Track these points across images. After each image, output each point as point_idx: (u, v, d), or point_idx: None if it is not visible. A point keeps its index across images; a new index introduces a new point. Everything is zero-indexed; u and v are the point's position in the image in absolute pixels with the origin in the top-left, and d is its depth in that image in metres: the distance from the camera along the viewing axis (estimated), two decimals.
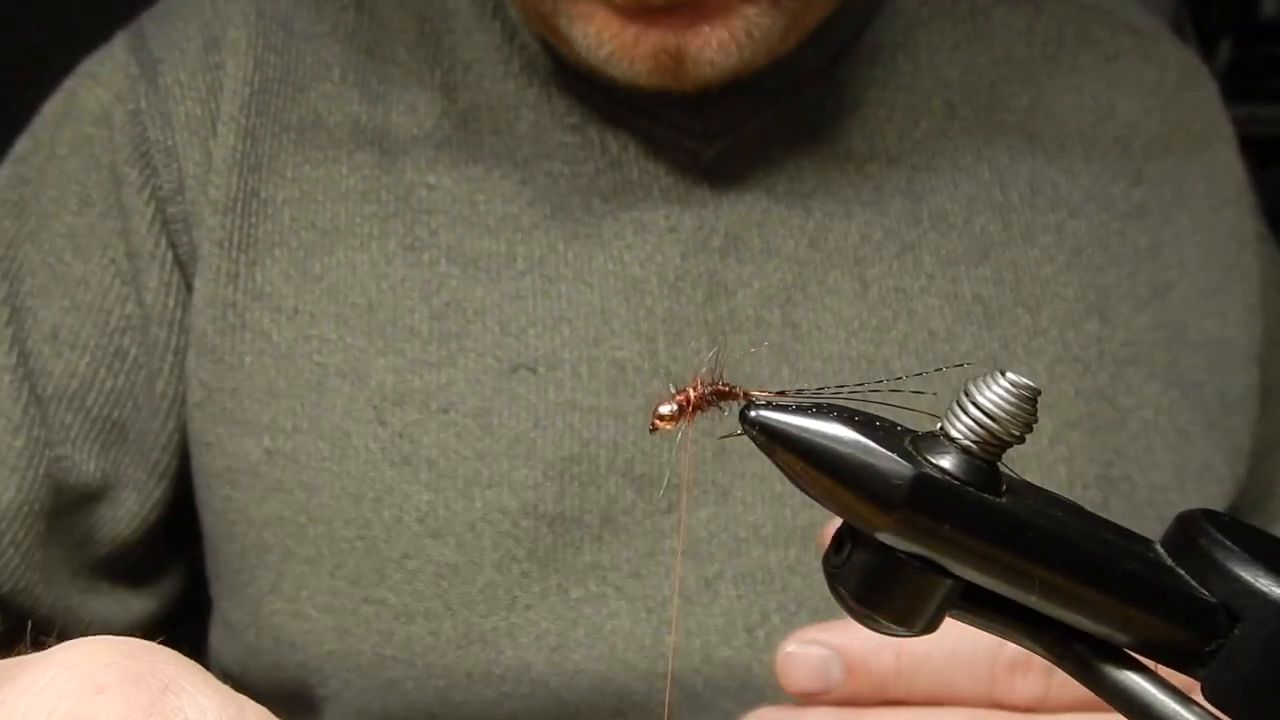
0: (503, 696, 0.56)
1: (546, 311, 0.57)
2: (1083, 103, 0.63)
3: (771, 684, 0.54)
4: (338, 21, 0.63)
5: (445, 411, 0.57)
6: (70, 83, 0.64)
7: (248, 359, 0.58)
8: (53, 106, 0.64)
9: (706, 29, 0.52)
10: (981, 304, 0.60)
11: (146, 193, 0.60)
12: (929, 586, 0.25)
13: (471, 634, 0.55)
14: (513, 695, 0.56)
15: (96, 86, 0.63)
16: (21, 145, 0.64)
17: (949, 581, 0.25)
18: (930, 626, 0.26)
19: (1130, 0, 0.69)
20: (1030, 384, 0.25)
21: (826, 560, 0.27)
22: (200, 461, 0.60)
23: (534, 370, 0.57)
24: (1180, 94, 0.65)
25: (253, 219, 0.59)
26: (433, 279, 0.58)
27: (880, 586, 0.26)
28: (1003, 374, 0.25)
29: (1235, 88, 1.89)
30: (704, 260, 0.58)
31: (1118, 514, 0.56)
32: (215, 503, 0.59)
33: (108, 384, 0.60)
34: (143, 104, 0.61)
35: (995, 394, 0.25)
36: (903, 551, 0.25)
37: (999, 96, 0.63)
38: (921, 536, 0.24)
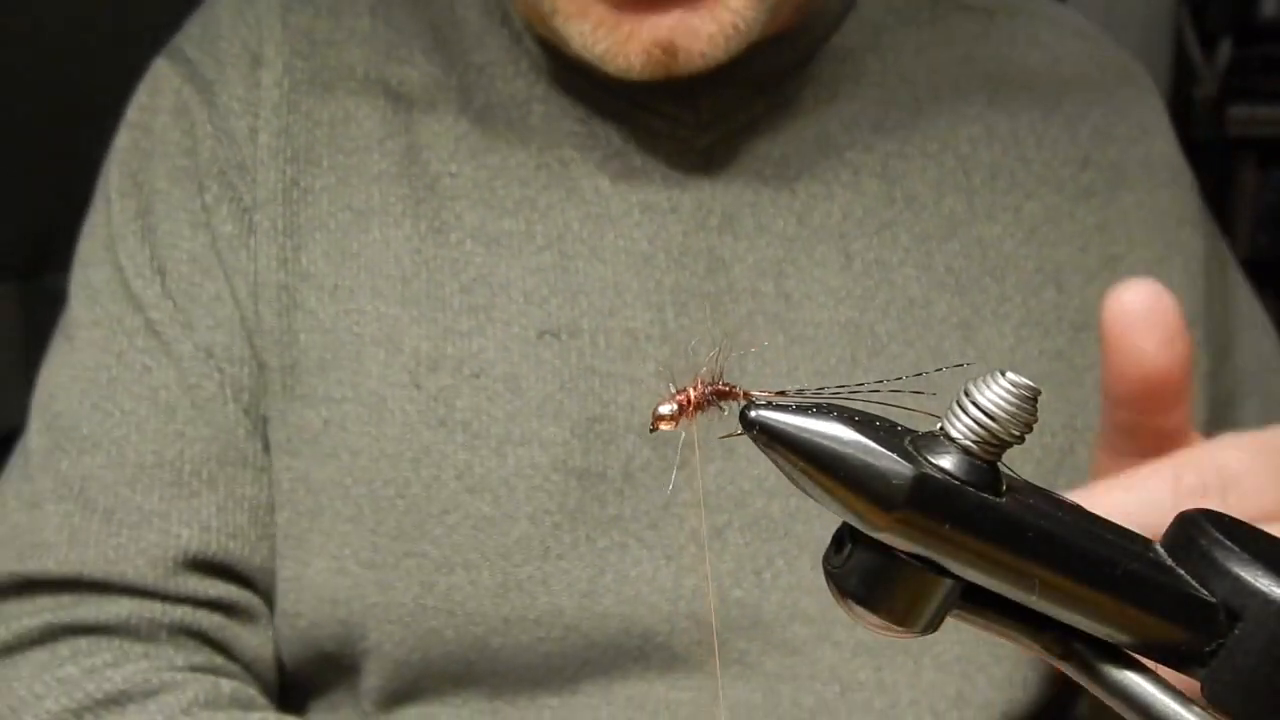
0: (537, 641, 0.59)
1: (565, 284, 0.62)
2: (1033, 98, 0.69)
3: (779, 620, 0.61)
4: (354, 29, 0.67)
5: (477, 376, 0.60)
6: (136, 116, 0.67)
7: (301, 336, 0.62)
8: (134, 143, 0.66)
9: (696, 22, 0.56)
10: (953, 275, 0.65)
11: (231, 206, 0.64)
12: (929, 586, 0.25)
13: (508, 583, 0.59)
14: (546, 639, 0.59)
15: (168, 118, 0.66)
16: (120, 183, 0.66)
17: (949, 581, 0.25)
18: (931, 627, 0.26)
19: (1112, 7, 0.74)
20: (1030, 384, 0.25)
21: (827, 560, 0.27)
22: (267, 436, 0.63)
23: (557, 336, 0.61)
24: (1120, 90, 0.72)
25: (295, 207, 0.63)
26: (460, 257, 0.62)
27: (880, 586, 0.25)
28: (1003, 374, 0.25)
29: (1235, 88, 1.90)
30: (704, 237, 0.63)
31: (1082, 460, 0.63)
32: (276, 473, 0.62)
33: (255, 386, 0.63)
34: (209, 127, 0.65)
35: (995, 394, 0.24)
36: (903, 551, 0.25)
37: (960, 93, 0.68)
38: (922, 537, 0.24)
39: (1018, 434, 0.24)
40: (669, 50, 0.56)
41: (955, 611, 0.26)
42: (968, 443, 0.24)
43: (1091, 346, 0.65)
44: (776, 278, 0.63)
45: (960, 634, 0.59)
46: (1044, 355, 0.65)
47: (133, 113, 0.68)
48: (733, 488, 0.61)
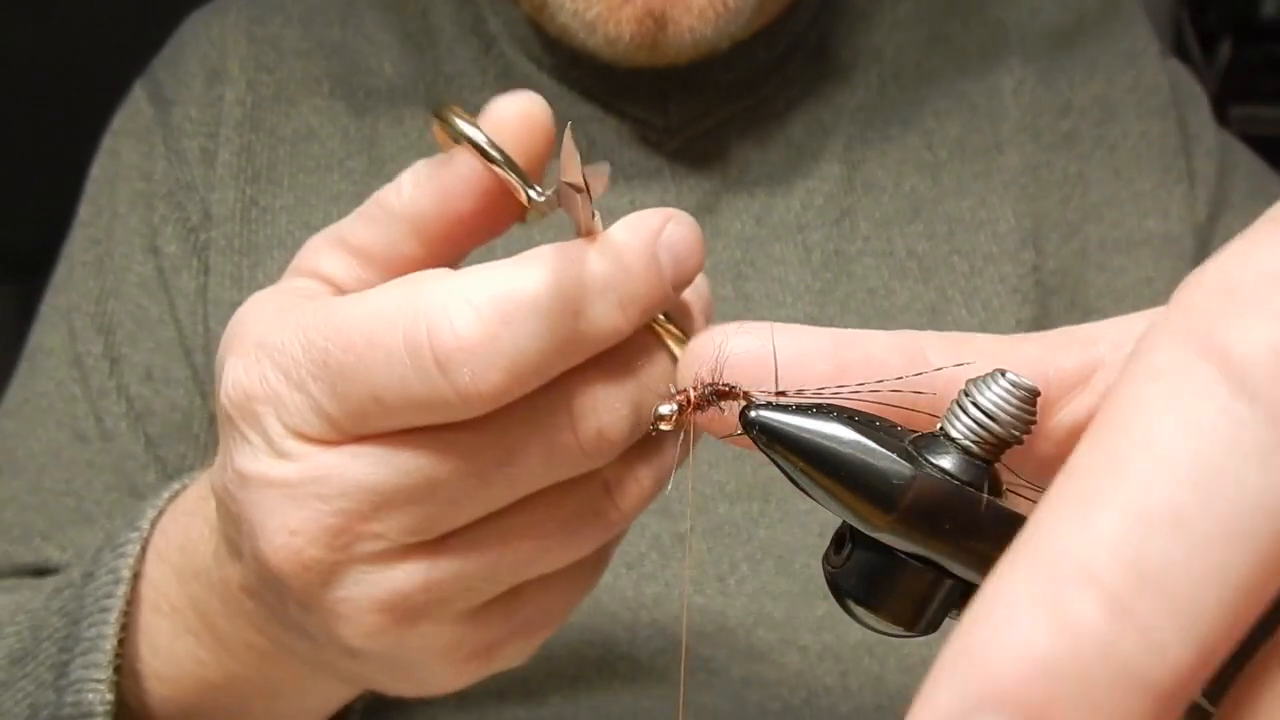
0: None
1: None
2: (1008, 58, 0.68)
3: (744, 626, 0.60)
4: (323, 39, 0.67)
5: None
6: (109, 143, 0.69)
7: None
8: (101, 169, 0.69)
9: None
10: (916, 259, 0.64)
11: (176, 227, 0.65)
12: (930, 587, 0.25)
13: None
14: None
15: (132, 141, 0.68)
16: (85, 211, 0.69)
17: (949, 581, 0.25)
18: (931, 627, 0.26)
19: None
20: (1030, 384, 0.24)
21: (826, 560, 0.26)
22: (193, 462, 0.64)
23: None
24: (1103, 23, 0.70)
25: (253, 225, 0.64)
26: None
27: (881, 587, 0.25)
28: (1002, 374, 0.25)
29: (1235, 88, 1.90)
30: None
31: None
32: None
33: (204, 410, 0.64)
34: (162, 148, 0.66)
35: (994, 394, 0.24)
36: (903, 552, 0.25)
37: (924, 73, 0.68)
38: (922, 537, 0.24)
39: (1018, 434, 0.24)
40: (660, 21, 0.57)
41: (955, 613, 0.26)
42: (967, 443, 0.24)
43: (1062, 313, 0.64)
44: (735, 280, 0.63)
45: (926, 637, 0.59)
46: (1020, 325, 0.63)
47: (107, 138, 0.69)
48: (694, 493, 0.60)
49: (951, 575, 0.25)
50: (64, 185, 0.71)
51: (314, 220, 0.64)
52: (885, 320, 0.63)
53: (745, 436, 0.25)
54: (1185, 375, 0.17)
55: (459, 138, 0.34)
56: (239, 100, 0.65)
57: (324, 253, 0.37)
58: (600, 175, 0.34)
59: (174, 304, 0.64)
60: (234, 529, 0.36)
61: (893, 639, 0.60)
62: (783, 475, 0.25)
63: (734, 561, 0.60)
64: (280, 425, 0.33)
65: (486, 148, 0.34)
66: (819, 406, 0.25)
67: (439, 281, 0.32)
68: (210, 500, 0.40)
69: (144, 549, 0.45)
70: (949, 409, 0.25)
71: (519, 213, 0.35)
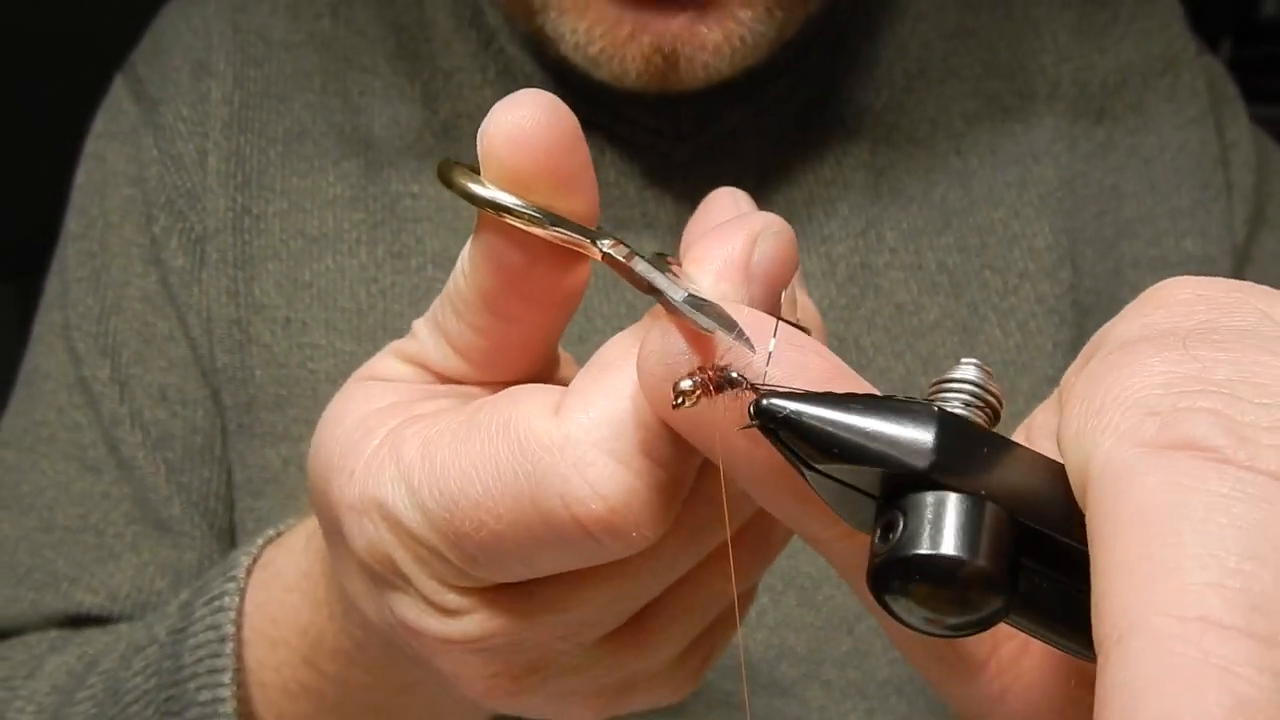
0: None
1: None
2: (1041, 56, 0.64)
3: (766, 660, 0.57)
4: (314, 30, 0.63)
5: None
6: (92, 147, 0.65)
7: (257, 372, 0.59)
8: (87, 176, 0.65)
9: (704, 30, 0.52)
10: (946, 272, 0.60)
11: (181, 238, 0.61)
12: (994, 520, 0.23)
13: None
14: None
15: (117, 144, 0.63)
16: (75, 223, 0.64)
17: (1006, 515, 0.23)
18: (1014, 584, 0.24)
19: None
20: (984, 365, 0.26)
21: (872, 551, 0.24)
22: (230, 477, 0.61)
23: None
24: (1135, 23, 0.66)
25: (246, 236, 0.60)
26: (421, 284, 0.59)
27: (960, 528, 0.23)
28: (962, 359, 0.26)
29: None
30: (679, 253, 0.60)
31: None
32: (239, 515, 0.60)
33: (221, 429, 0.61)
34: (154, 151, 0.61)
35: (965, 371, 0.25)
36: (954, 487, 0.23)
37: (950, 70, 0.63)
38: (962, 471, 0.23)
39: (995, 401, 0.25)
40: (670, 59, 0.52)
41: (1011, 618, 0.24)
42: (963, 410, 0.25)
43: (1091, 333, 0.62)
44: None
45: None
46: (1058, 349, 0.59)
47: (89, 142, 0.65)
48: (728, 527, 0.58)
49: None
50: (64, 187, 0.68)
51: (309, 228, 0.60)
52: (914, 339, 0.59)
53: (756, 429, 0.25)
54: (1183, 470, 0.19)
55: (480, 204, 0.29)
56: (226, 98, 0.61)
57: (426, 339, 0.33)
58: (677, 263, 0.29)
59: (184, 320, 0.60)
60: (410, 651, 0.34)
61: (922, 679, 0.58)
62: (798, 463, 0.25)
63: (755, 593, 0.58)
64: (433, 583, 0.30)
65: (523, 211, 0.28)
66: (829, 395, 0.25)
67: (539, 423, 0.28)
68: (323, 582, 0.39)
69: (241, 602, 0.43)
70: (935, 396, 0.26)
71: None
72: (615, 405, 0.27)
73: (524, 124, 0.28)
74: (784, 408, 0.24)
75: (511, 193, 0.29)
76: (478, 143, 0.29)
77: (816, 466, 0.24)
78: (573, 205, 0.29)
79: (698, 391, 0.26)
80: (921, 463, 0.23)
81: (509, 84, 0.61)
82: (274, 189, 0.60)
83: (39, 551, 0.59)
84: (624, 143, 0.60)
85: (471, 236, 0.31)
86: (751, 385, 0.26)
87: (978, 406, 0.25)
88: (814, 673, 0.57)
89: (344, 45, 0.63)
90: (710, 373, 0.26)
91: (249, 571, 0.44)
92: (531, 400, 0.28)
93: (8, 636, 0.59)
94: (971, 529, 0.22)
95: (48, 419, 0.61)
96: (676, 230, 0.59)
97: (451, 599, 0.30)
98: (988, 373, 0.25)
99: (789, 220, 0.60)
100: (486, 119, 0.29)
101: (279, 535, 0.45)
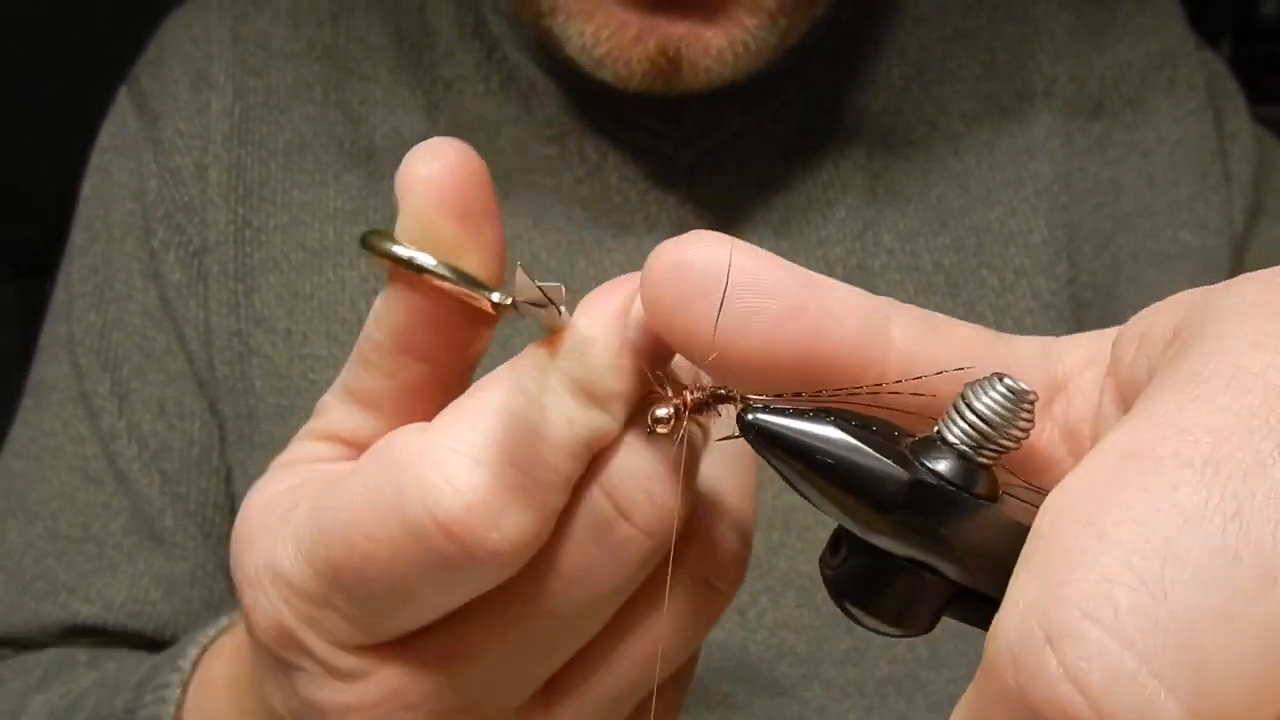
0: None
1: None
2: (1039, 55, 0.65)
3: (766, 660, 0.57)
4: (315, 39, 0.63)
5: None
6: (98, 160, 0.66)
7: (257, 383, 0.60)
8: (92, 190, 0.65)
9: (708, 35, 0.53)
10: (943, 272, 0.61)
11: (179, 252, 0.61)
12: (925, 589, 0.25)
13: None
14: None
15: (120, 158, 0.64)
16: (79, 236, 0.65)
17: (945, 583, 0.25)
18: (927, 628, 0.26)
19: None
20: (1026, 389, 0.24)
21: (823, 561, 0.27)
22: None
23: None
24: (1133, 21, 0.66)
25: (247, 248, 0.60)
26: None
27: (876, 589, 0.25)
28: (1000, 378, 0.24)
29: None
30: None
31: None
32: None
33: (220, 441, 0.62)
34: (153, 166, 0.62)
35: (991, 399, 0.24)
36: (899, 555, 0.25)
37: (949, 71, 0.64)
38: (916, 540, 0.24)
39: (1014, 440, 0.24)
40: (674, 61, 0.53)
41: (951, 611, 0.26)
42: (964, 447, 0.24)
43: (1094, 328, 0.61)
44: None
45: (954, 673, 0.58)
46: None
47: (95, 155, 0.66)
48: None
49: (947, 578, 0.25)
50: (65, 187, 0.69)
51: (310, 241, 0.60)
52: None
53: (740, 438, 0.25)
54: None
55: (398, 263, 0.29)
56: (226, 111, 0.61)
57: (334, 411, 0.33)
58: (556, 291, 0.28)
59: (182, 334, 0.61)
60: None
61: (920, 677, 0.58)
62: (786, 483, 0.25)
63: (754, 594, 0.58)
64: (326, 645, 0.30)
65: (433, 269, 0.29)
66: (817, 410, 0.25)
67: (408, 438, 0.28)
68: (250, 692, 0.38)
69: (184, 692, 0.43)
70: (946, 412, 0.25)
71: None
72: (480, 414, 0.27)
73: (433, 173, 0.29)
74: (767, 422, 0.25)
75: (421, 246, 0.29)
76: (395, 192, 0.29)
77: (795, 487, 0.25)
78: (479, 248, 0.29)
79: (674, 417, 0.26)
80: (867, 533, 0.24)
81: (512, 92, 0.61)
82: (275, 201, 0.61)
83: (42, 560, 0.61)
84: (627, 146, 0.61)
85: (385, 289, 0.31)
86: (743, 397, 0.26)
87: (974, 444, 0.24)
88: (813, 672, 0.58)
89: (345, 53, 0.63)
90: (687, 396, 0.26)
91: (194, 664, 0.44)
92: (409, 426, 0.29)
93: (9, 644, 0.61)
94: (883, 586, 0.25)
95: (54, 430, 0.62)
96: (678, 234, 0.59)
97: (346, 661, 0.30)
98: (1020, 395, 0.24)
99: (788, 222, 0.61)
100: (399, 171, 0.29)
101: (231, 625, 0.45)
